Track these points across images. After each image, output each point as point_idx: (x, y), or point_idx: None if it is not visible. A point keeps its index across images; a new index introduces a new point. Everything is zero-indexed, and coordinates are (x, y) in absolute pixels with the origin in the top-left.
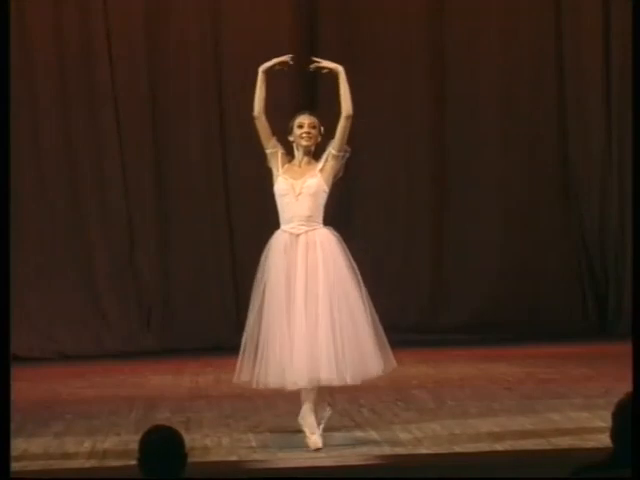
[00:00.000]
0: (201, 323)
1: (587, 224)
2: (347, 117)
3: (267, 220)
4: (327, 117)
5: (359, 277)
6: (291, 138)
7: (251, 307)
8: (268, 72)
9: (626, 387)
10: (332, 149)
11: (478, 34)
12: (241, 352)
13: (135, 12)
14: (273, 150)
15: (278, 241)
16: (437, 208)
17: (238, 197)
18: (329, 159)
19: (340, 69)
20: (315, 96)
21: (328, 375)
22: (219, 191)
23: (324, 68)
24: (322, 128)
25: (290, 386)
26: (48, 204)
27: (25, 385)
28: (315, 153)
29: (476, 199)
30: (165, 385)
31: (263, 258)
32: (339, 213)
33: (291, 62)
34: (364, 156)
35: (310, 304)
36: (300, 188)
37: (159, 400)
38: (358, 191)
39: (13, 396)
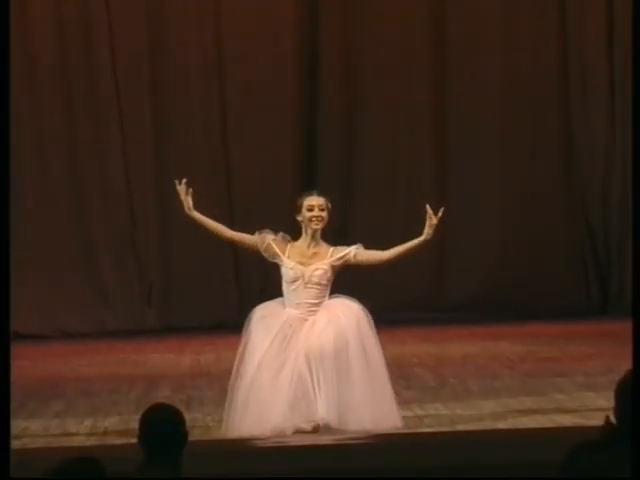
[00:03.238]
0: (202, 301)
1: (589, 202)
2: (383, 262)
3: (267, 194)
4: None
5: (375, 334)
6: (299, 218)
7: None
8: (192, 206)
9: (628, 365)
10: (353, 258)
11: (480, 28)
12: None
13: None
14: (264, 245)
15: (285, 315)
16: (439, 187)
17: (239, 173)
18: (344, 260)
19: (427, 238)
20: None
21: (325, 415)
22: (220, 168)
23: (429, 220)
24: (329, 205)
25: (268, 432)
26: (48, 183)
27: (26, 363)
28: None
29: (479, 180)
30: (166, 363)
31: (260, 316)
32: (341, 200)
33: (185, 183)
34: (365, 129)
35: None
36: (309, 276)
37: (160, 378)
38: (358, 172)
39: (14, 374)
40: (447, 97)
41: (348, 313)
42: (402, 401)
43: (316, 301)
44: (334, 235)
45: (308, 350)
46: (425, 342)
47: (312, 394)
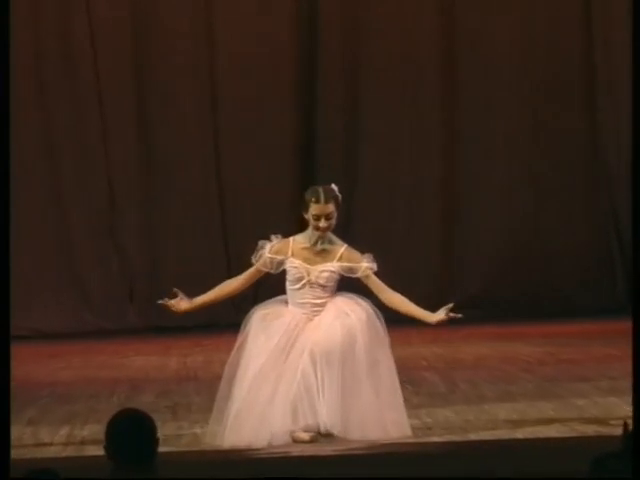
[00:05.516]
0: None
1: (615, 187)
2: (380, 300)
3: (259, 187)
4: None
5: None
6: (306, 216)
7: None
8: (186, 303)
9: None
10: (363, 276)
11: (492, 18)
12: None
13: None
14: (268, 264)
15: (288, 316)
16: (448, 178)
17: (229, 162)
18: (352, 273)
19: (432, 323)
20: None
21: (328, 422)
22: (209, 158)
23: (445, 313)
24: (340, 198)
25: (267, 440)
26: (25, 177)
27: None
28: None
29: (495, 168)
30: (150, 366)
31: (260, 316)
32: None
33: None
34: (368, 129)
35: (319, 360)
36: (315, 277)
37: (143, 383)
38: (362, 169)
39: None
40: (455, 93)
41: (358, 311)
42: (409, 407)
43: (321, 301)
44: (335, 234)
45: (314, 345)
46: (433, 343)
47: (315, 392)
